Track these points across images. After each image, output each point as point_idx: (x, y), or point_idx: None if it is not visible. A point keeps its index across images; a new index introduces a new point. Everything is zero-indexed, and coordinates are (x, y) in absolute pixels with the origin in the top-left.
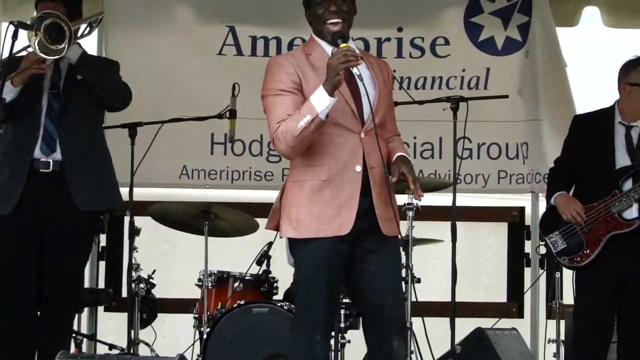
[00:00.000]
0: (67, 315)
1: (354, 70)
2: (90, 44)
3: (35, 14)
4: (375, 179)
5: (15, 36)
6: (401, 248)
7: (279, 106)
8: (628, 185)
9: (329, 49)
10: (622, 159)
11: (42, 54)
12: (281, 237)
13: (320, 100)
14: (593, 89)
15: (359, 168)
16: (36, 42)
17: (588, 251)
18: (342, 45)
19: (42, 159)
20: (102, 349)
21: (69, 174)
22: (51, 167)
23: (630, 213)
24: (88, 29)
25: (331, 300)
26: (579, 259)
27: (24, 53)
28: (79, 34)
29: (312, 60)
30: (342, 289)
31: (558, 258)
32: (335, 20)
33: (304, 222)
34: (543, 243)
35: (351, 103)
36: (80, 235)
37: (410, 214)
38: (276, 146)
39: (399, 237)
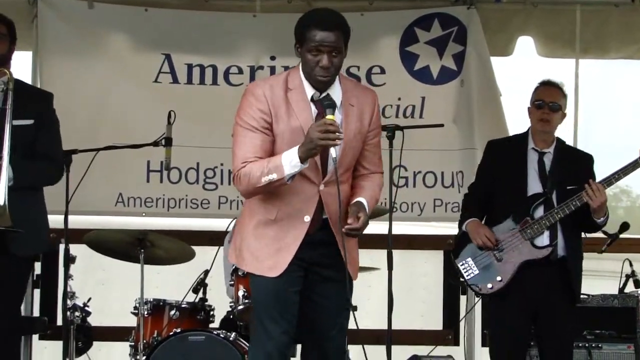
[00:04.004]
0: None
1: (331, 151)
2: (24, 74)
3: None
4: (333, 223)
5: None
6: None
7: (248, 143)
8: (539, 212)
9: (310, 91)
10: (535, 186)
11: None
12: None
13: (291, 164)
14: (527, 118)
15: (307, 218)
16: None
17: (500, 278)
18: (329, 117)
19: None
20: None
21: None
22: None
23: (542, 240)
24: None
25: (275, 332)
26: (490, 285)
27: None
28: None
29: (290, 97)
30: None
31: (470, 285)
32: (324, 77)
33: (243, 255)
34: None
35: (316, 157)
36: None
37: None
38: (236, 183)
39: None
